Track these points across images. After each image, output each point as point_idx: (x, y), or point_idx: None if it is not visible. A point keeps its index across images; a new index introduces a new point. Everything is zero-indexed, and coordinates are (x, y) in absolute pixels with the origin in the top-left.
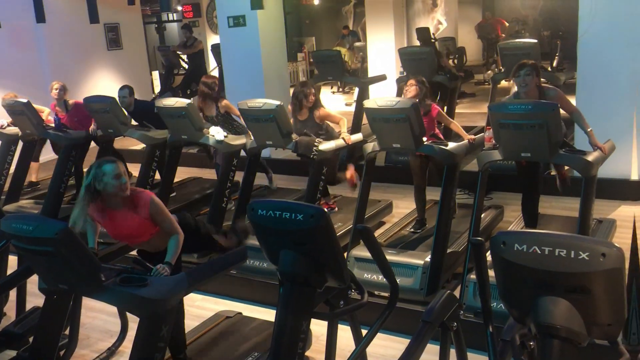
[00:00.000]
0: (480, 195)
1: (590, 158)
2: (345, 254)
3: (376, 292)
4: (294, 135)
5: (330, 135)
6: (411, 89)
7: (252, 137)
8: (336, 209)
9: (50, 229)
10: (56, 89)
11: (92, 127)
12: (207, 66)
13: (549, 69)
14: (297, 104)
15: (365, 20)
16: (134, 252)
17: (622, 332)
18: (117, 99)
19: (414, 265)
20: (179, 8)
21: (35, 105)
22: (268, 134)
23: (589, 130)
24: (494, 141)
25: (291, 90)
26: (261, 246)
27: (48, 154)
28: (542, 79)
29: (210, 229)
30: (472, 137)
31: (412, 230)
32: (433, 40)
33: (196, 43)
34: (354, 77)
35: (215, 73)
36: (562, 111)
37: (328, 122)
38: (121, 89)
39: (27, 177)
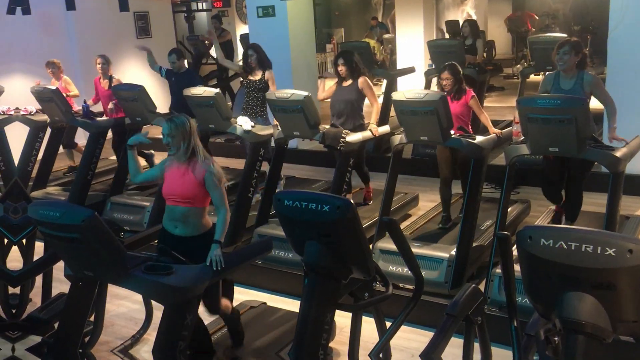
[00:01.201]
0: (507, 189)
1: (618, 154)
2: (370, 246)
3: (401, 285)
4: (321, 127)
5: (358, 126)
6: (447, 83)
7: (280, 128)
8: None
9: (77, 216)
10: (99, 63)
11: (110, 105)
12: (236, 56)
13: None
14: (348, 66)
15: (395, 12)
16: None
17: None
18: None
19: (439, 258)
20: None
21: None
22: (295, 124)
23: (614, 126)
24: (522, 135)
25: (319, 81)
26: (287, 237)
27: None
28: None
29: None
30: (499, 131)
31: (440, 226)
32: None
33: (224, 33)
34: (382, 69)
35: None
36: (593, 104)
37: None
38: (169, 54)
39: (69, 163)
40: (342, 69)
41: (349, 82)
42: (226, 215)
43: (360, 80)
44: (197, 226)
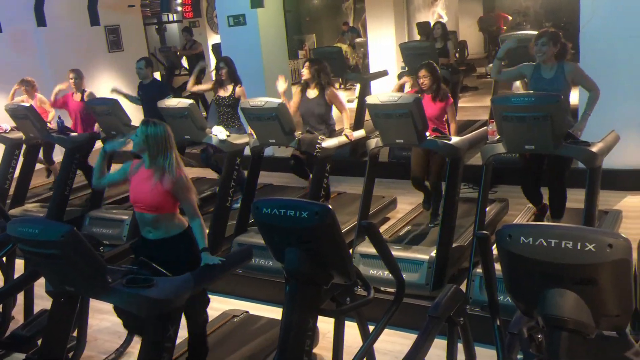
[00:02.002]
0: (485, 189)
1: (594, 149)
2: (350, 251)
3: (382, 288)
4: (297, 133)
5: (331, 132)
6: (425, 81)
7: (255, 136)
8: None
9: (56, 231)
10: (72, 78)
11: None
12: (207, 66)
13: None
14: (316, 74)
15: (366, 16)
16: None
17: (630, 323)
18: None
19: (419, 261)
20: (179, 8)
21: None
22: (270, 132)
23: (589, 112)
24: (497, 134)
25: (293, 88)
26: (266, 244)
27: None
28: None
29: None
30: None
31: (430, 225)
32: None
33: (195, 45)
34: (355, 73)
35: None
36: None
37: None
38: (138, 61)
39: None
40: (303, 72)
41: (315, 93)
42: (201, 223)
43: (328, 93)
44: (170, 229)
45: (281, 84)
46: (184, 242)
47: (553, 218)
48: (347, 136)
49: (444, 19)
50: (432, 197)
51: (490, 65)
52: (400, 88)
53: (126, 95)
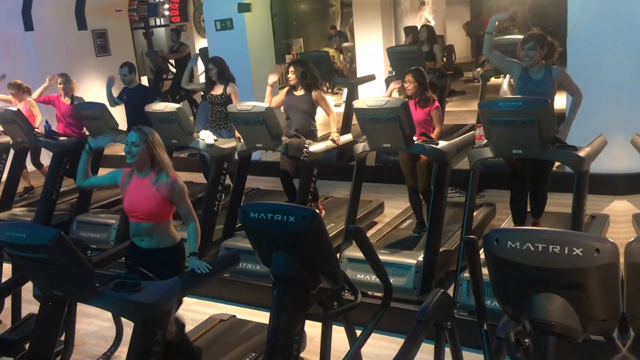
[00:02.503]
0: (472, 193)
1: (582, 153)
2: (337, 255)
3: (369, 293)
4: (284, 138)
5: (313, 136)
6: (410, 87)
7: (242, 140)
8: (323, 213)
9: (43, 236)
10: (60, 83)
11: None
12: (195, 69)
13: None
14: (302, 77)
15: (353, 20)
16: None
17: (617, 328)
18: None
19: (406, 265)
20: (166, 12)
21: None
22: (258, 136)
23: (573, 117)
24: (484, 138)
25: (280, 91)
26: (254, 249)
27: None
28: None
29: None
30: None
31: (414, 234)
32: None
33: (182, 47)
34: (342, 77)
35: (203, 77)
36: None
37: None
38: (121, 67)
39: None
40: (290, 77)
41: (301, 92)
42: (196, 226)
43: (315, 93)
44: (164, 239)
45: (272, 78)
46: (175, 254)
47: (534, 217)
48: (334, 140)
49: (432, 23)
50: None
51: (479, 69)
52: (391, 93)
53: (110, 93)
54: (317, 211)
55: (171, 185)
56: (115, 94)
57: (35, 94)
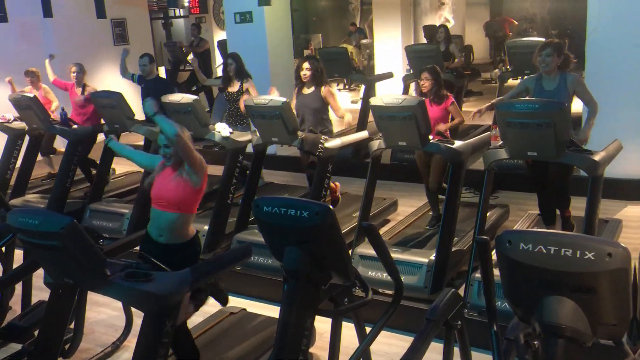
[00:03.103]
0: (486, 194)
1: (597, 157)
2: (350, 252)
3: (380, 290)
4: (299, 133)
5: (328, 132)
6: (426, 84)
7: (258, 134)
8: (340, 198)
9: (56, 223)
10: (73, 72)
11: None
12: (213, 62)
13: None
14: (315, 72)
15: (373, 17)
16: (139, 248)
17: (627, 332)
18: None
19: (418, 264)
20: (186, 4)
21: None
22: (274, 130)
23: (591, 122)
24: (500, 140)
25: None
26: (266, 243)
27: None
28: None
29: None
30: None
31: (427, 227)
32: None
33: (202, 43)
34: (360, 74)
35: (221, 69)
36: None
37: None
38: (141, 57)
39: (48, 170)
40: (305, 73)
41: (311, 89)
42: None
43: (324, 89)
44: (182, 235)
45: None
46: (190, 250)
47: (562, 212)
48: (344, 117)
49: (451, 23)
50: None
51: (496, 70)
52: (407, 91)
53: (126, 68)
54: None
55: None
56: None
57: (49, 73)
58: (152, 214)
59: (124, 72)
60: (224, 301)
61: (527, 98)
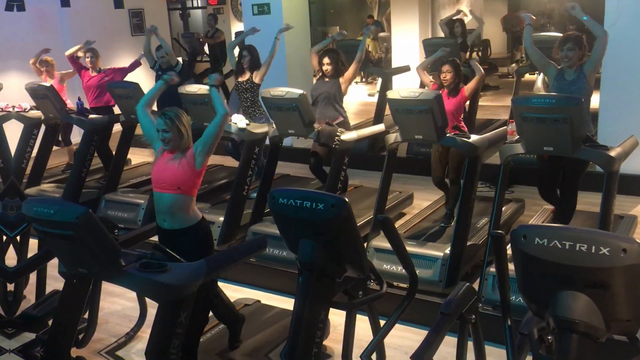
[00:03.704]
0: (502, 188)
1: (612, 153)
2: (365, 244)
3: (395, 283)
4: (316, 125)
5: (344, 123)
6: (448, 76)
7: (274, 126)
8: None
9: (71, 213)
10: (87, 57)
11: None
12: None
13: None
14: (337, 64)
15: (390, 10)
16: (155, 238)
17: None
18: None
19: (433, 257)
20: None
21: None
22: (290, 122)
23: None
24: (516, 134)
25: (314, 80)
26: (281, 235)
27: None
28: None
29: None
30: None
31: (442, 224)
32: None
33: (217, 34)
34: (377, 67)
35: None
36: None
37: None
38: (157, 49)
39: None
40: (327, 68)
41: (331, 78)
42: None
43: (341, 80)
44: (186, 218)
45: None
46: (199, 233)
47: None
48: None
49: (469, 17)
50: (450, 195)
51: (513, 65)
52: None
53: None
54: (347, 200)
55: (193, 145)
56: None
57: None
58: (155, 198)
59: (147, 53)
60: (233, 343)
61: (544, 93)
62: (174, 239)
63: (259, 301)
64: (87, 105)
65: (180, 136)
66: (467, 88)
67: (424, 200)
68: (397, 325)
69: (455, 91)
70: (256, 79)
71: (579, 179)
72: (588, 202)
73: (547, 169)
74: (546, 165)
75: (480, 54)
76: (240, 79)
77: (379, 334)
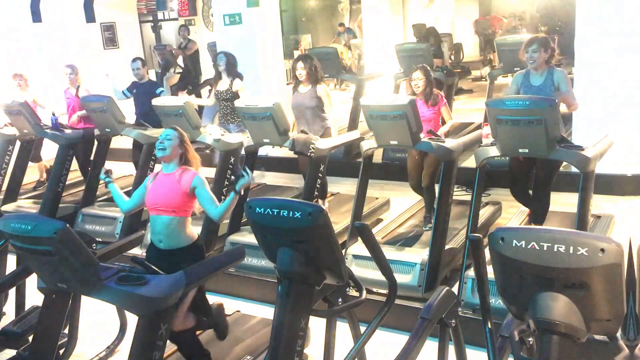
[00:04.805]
0: (478, 192)
1: (588, 154)
2: (343, 252)
3: (374, 289)
4: (290, 134)
5: (325, 130)
6: (420, 83)
7: (249, 136)
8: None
9: (49, 228)
10: (67, 73)
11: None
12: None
13: None
14: (310, 70)
15: (362, 17)
16: (133, 251)
17: (621, 328)
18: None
19: (412, 262)
20: (175, 7)
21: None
22: (265, 132)
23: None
24: (491, 137)
25: (288, 88)
26: (259, 244)
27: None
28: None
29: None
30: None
31: (424, 228)
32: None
33: (190, 44)
34: (350, 74)
35: (211, 71)
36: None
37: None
38: (133, 61)
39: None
40: (301, 73)
41: (307, 87)
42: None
43: (319, 88)
44: (182, 238)
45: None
46: (195, 252)
47: (534, 224)
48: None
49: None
50: (425, 200)
51: (486, 68)
52: (397, 90)
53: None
54: (324, 207)
55: (195, 179)
56: (119, 88)
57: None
58: (150, 221)
59: (117, 93)
60: (221, 336)
61: (517, 95)
62: (169, 257)
63: (238, 311)
64: (62, 121)
65: (178, 151)
66: (444, 112)
67: (401, 205)
68: (377, 331)
69: (433, 99)
70: (234, 89)
71: (552, 179)
72: (565, 202)
73: (518, 170)
74: (517, 166)
75: (452, 57)
76: (219, 88)
77: (360, 340)
